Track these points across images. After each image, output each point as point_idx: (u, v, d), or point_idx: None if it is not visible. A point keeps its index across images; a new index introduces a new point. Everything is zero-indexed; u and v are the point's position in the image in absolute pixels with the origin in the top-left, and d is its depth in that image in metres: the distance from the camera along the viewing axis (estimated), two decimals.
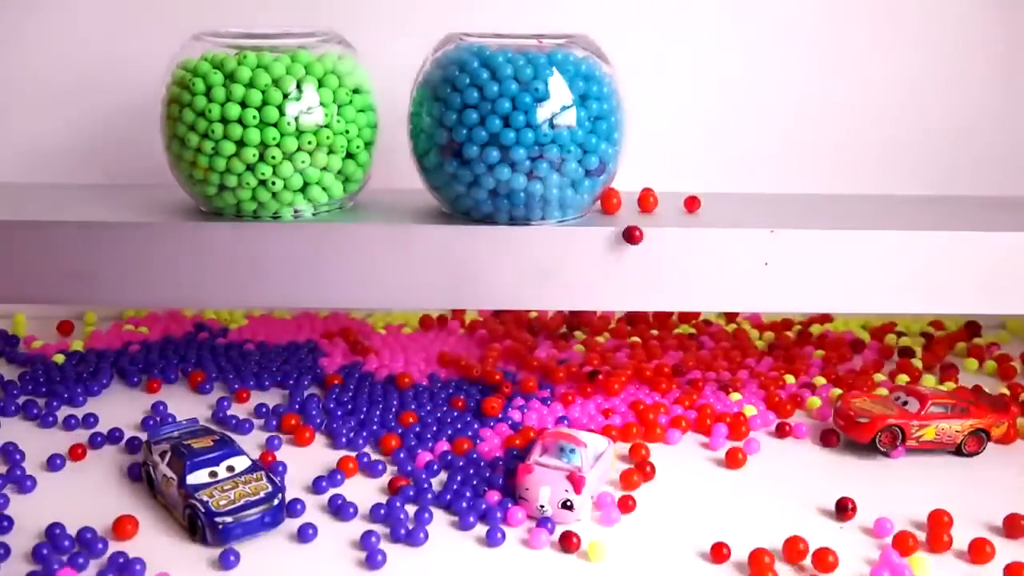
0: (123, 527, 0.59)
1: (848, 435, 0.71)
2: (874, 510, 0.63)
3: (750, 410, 0.75)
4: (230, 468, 0.62)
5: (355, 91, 0.70)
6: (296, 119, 0.66)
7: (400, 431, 0.72)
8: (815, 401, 0.77)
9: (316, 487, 0.65)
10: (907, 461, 0.70)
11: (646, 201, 0.73)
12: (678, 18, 0.92)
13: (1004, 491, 0.67)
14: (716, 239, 0.69)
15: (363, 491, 0.65)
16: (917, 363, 0.85)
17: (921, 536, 0.61)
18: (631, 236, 0.63)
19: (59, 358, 0.83)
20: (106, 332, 0.89)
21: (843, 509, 0.63)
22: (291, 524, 0.61)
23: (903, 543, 0.59)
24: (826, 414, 0.75)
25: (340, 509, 0.62)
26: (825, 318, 0.95)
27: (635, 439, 0.72)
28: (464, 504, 0.62)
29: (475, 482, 0.65)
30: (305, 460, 0.69)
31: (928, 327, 0.93)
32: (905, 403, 0.71)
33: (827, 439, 0.72)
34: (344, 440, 0.70)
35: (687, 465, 0.69)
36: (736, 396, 0.78)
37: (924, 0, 0.92)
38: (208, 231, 0.69)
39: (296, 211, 0.69)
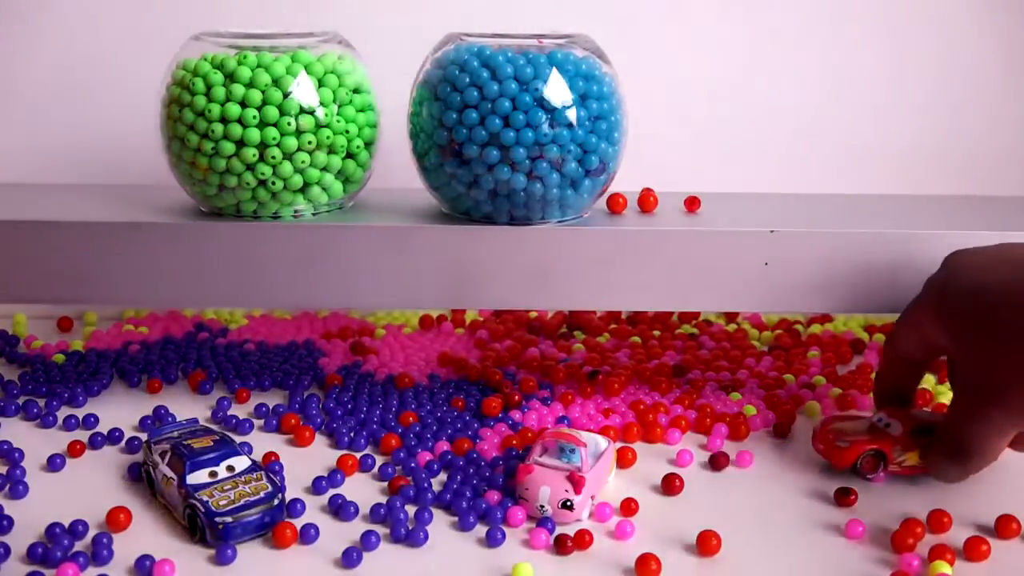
0: (115, 518, 0.60)
1: (827, 459, 0.67)
2: (873, 509, 0.64)
3: (750, 410, 0.75)
4: (230, 468, 0.62)
5: (355, 91, 0.70)
6: (296, 119, 0.66)
7: (400, 431, 0.72)
8: (814, 406, 0.77)
9: (316, 487, 0.65)
10: None
11: (646, 201, 0.73)
12: (678, 18, 0.92)
13: (1000, 492, 0.67)
14: (716, 239, 0.69)
15: (363, 491, 0.65)
16: None
17: (921, 534, 0.61)
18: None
19: (59, 358, 0.83)
20: (106, 332, 0.89)
21: (844, 495, 0.64)
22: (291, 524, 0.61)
23: (902, 542, 0.59)
24: None
25: (340, 509, 0.62)
26: (825, 318, 0.95)
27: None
28: (464, 504, 0.62)
29: (475, 482, 0.65)
30: (305, 460, 0.69)
31: None
32: (888, 425, 0.66)
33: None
34: (344, 440, 0.71)
35: (688, 464, 0.69)
36: (736, 396, 0.78)
37: (924, 3, 0.92)
38: (208, 231, 0.69)
39: (296, 211, 0.69)
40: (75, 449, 0.69)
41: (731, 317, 0.95)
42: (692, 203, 0.73)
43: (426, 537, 0.60)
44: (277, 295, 0.71)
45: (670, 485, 0.65)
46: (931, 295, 0.64)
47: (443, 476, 0.67)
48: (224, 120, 0.66)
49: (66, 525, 0.59)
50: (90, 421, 0.73)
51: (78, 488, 0.65)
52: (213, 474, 0.61)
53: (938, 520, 0.61)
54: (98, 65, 0.90)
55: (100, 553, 0.57)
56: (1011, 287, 0.59)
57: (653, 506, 0.64)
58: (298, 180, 0.68)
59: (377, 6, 0.90)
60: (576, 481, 0.61)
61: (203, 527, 0.58)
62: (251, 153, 0.66)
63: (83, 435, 0.71)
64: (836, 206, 0.77)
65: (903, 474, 0.66)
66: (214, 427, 0.69)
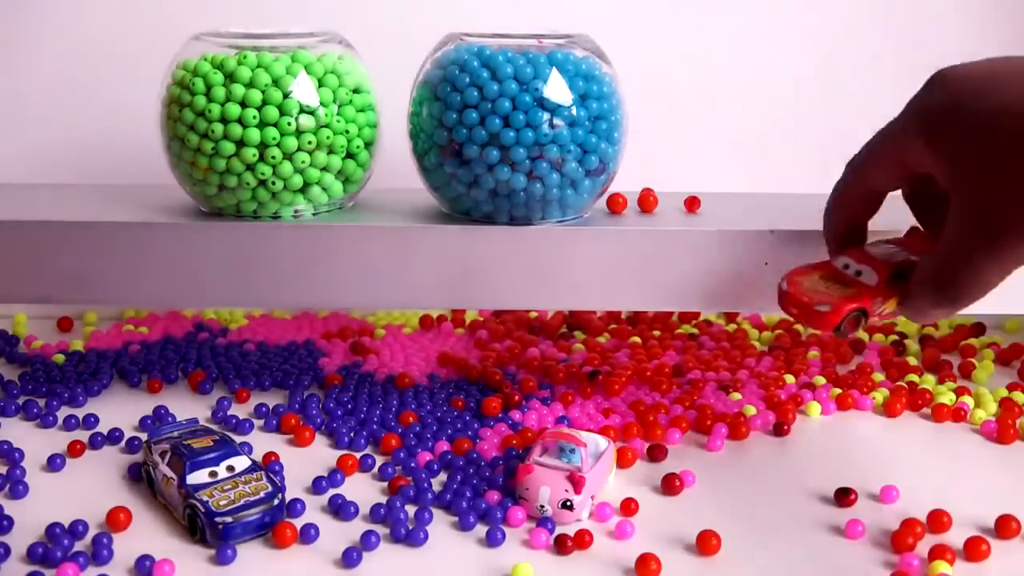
0: (115, 518, 0.60)
1: (803, 324, 0.61)
2: (873, 509, 0.64)
3: (750, 410, 0.75)
4: (230, 468, 0.62)
5: (355, 91, 0.70)
6: (296, 119, 0.66)
7: (400, 431, 0.72)
8: (814, 406, 0.77)
9: (316, 487, 0.65)
10: (905, 459, 0.70)
11: (646, 201, 0.73)
12: (678, 18, 0.92)
13: (1000, 492, 0.67)
14: (716, 239, 0.69)
15: (363, 491, 0.65)
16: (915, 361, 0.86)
17: (921, 534, 0.61)
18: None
19: (59, 358, 0.83)
20: (106, 332, 0.89)
21: (844, 495, 0.63)
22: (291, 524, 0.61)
23: (902, 542, 0.59)
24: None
25: (340, 509, 0.62)
26: None
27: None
28: (464, 504, 0.62)
29: (475, 482, 0.65)
30: (305, 460, 0.69)
31: (928, 328, 0.93)
32: (859, 273, 0.60)
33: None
34: (344, 440, 0.71)
35: (686, 465, 0.69)
36: (736, 396, 0.78)
37: (925, 3, 0.92)
38: (208, 231, 0.69)
39: (296, 211, 0.69)
40: (75, 449, 0.69)
41: (731, 317, 0.95)
42: (692, 203, 0.73)
43: (426, 537, 0.60)
44: (277, 295, 0.71)
45: (670, 485, 0.65)
46: (918, 117, 0.57)
47: (443, 476, 0.67)
48: (224, 120, 0.66)
49: (66, 525, 0.59)
50: (90, 421, 0.73)
51: (78, 488, 0.65)
52: (213, 474, 0.61)
53: (938, 520, 0.61)
54: (98, 65, 0.90)
55: (100, 553, 0.57)
56: (1016, 106, 0.53)
57: (653, 506, 0.64)
58: (298, 180, 0.68)
59: (377, 6, 0.90)
60: (576, 481, 0.61)
61: (203, 527, 0.58)
62: (251, 153, 0.66)
63: (83, 435, 0.71)
64: None
65: (879, 321, 0.62)
66: (214, 427, 0.69)
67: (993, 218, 0.53)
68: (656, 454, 0.69)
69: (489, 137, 0.65)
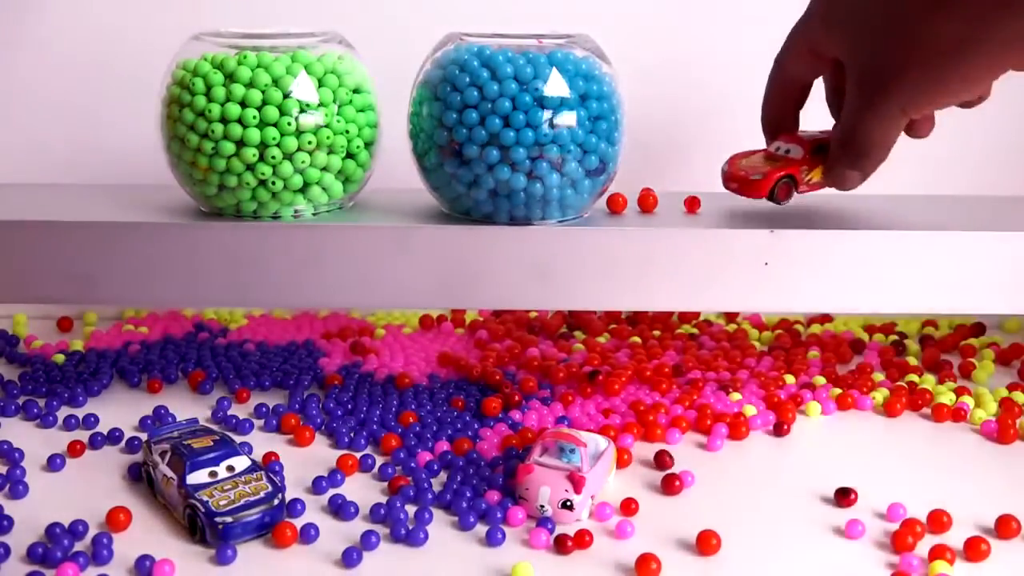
0: (115, 518, 0.60)
1: (743, 195, 0.70)
2: (873, 509, 0.64)
3: (750, 410, 0.75)
4: (230, 468, 0.62)
5: (355, 91, 0.70)
6: (296, 119, 0.66)
7: (400, 431, 0.72)
8: (814, 406, 0.77)
9: (316, 487, 0.65)
10: (906, 459, 0.70)
11: (646, 201, 0.73)
12: (678, 17, 0.92)
13: (1000, 492, 0.67)
14: (716, 239, 0.69)
15: (363, 491, 0.65)
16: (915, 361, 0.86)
17: (921, 533, 0.60)
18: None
19: (59, 358, 0.83)
20: (106, 332, 0.89)
21: (844, 495, 0.63)
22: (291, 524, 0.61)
23: (902, 542, 0.59)
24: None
25: (340, 509, 0.62)
26: (825, 318, 0.95)
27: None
28: (464, 504, 0.62)
29: (475, 482, 0.65)
30: (305, 460, 0.69)
31: (928, 328, 0.93)
32: (788, 151, 0.69)
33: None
34: (344, 440, 0.71)
35: (686, 465, 0.69)
36: (736, 396, 0.78)
37: None
38: (208, 231, 0.69)
39: (296, 211, 0.69)
40: (75, 449, 0.69)
41: (731, 317, 0.95)
42: (692, 203, 0.73)
43: (426, 537, 0.60)
44: (277, 295, 0.71)
45: (670, 485, 0.65)
46: (819, 7, 0.66)
47: (443, 476, 0.67)
48: (224, 120, 0.66)
49: (66, 525, 0.59)
50: (90, 421, 0.73)
51: (78, 488, 0.65)
52: (213, 474, 0.61)
53: (938, 520, 0.61)
54: (98, 65, 0.90)
55: (100, 553, 0.57)
56: None
57: (653, 506, 0.64)
58: (298, 180, 0.67)
59: (377, 6, 0.90)
60: (576, 481, 0.61)
61: (203, 527, 0.58)
62: (251, 153, 0.66)
63: (83, 435, 0.71)
64: (836, 206, 0.77)
65: (810, 191, 0.70)
66: (214, 427, 0.69)
67: (872, 81, 0.61)
68: (662, 460, 0.69)
69: (489, 137, 0.65)
